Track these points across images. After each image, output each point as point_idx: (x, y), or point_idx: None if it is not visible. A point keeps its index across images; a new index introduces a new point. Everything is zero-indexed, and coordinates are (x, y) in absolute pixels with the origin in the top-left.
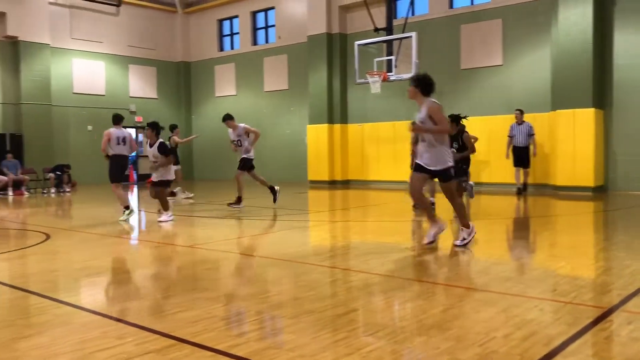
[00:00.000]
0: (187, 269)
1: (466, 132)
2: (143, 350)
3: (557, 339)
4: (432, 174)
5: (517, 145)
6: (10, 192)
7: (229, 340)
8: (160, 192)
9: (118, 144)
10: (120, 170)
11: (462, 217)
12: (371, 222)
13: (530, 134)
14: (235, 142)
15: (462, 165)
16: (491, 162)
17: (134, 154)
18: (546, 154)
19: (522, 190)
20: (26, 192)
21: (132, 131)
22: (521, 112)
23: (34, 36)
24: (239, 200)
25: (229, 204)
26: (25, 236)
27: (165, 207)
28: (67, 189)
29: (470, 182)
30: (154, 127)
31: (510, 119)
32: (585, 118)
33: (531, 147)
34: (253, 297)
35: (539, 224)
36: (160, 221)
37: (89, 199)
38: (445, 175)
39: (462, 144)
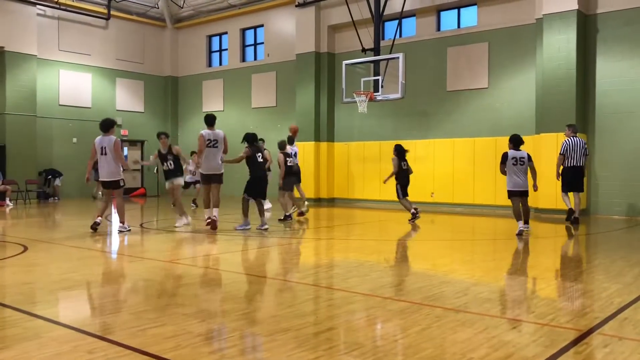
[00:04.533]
0: (165, 284)
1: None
2: None
3: None
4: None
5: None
6: None
7: (203, 357)
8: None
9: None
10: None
11: None
12: (354, 240)
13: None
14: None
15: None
16: (476, 184)
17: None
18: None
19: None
20: (10, 203)
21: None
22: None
23: (20, 47)
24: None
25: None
26: (3, 247)
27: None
28: (57, 197)
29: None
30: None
31: (494, 141)
32: None
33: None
34: (230, 313)
35: (520, 246)
36: None
37: (71, 211)
38: None
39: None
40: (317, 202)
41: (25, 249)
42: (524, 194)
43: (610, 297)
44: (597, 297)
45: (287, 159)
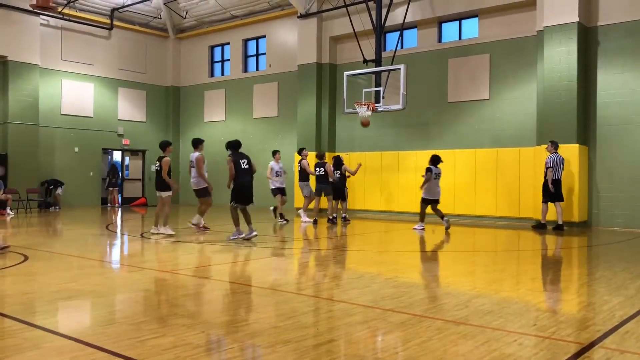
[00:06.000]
0: (165, 294)
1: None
2: None
3: None
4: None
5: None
6: None
7: None
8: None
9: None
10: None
11: None
12: (354, 251)
13: (547, 166)
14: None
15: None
16: (477, 195)
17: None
18: (531, 188)
19: (544, 227)
20: (10, 212)
21: (118, 154)
22: (551, 143)
23: (23, 56)
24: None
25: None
26: (3, 257)
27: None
28: (58, 207)
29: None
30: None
31: (496, 152)
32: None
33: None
34: (230, 324)
35: (521, 257)
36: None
37: (72, 220)
38: None
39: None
40: (318, 212)
41: (26, 258)
42: (438, 202)
43: (612, 310)
44: (599, 309)
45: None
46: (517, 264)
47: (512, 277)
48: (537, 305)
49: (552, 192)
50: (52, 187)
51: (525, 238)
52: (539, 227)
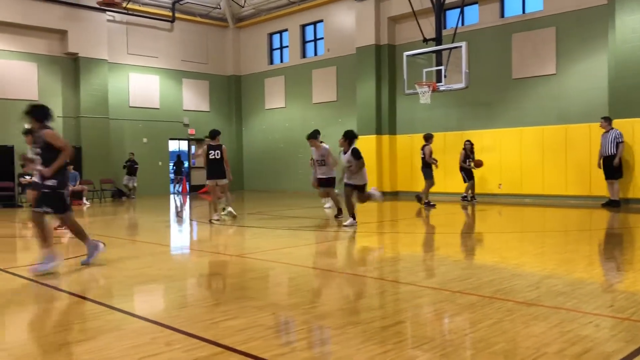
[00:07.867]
0: (235, 277)
1: None
2: (191, 357)
3: (613, 357)
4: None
5: (604, 155)
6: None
7: (274, 349)
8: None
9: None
10: None
11: None
12: (420, 234)
13: (618, 142)
14: (319, 162)
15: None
16: (545, 173)
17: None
18: None
19: (606, 204)
20: (86, 202)
21: (184, 143)
22: (605, 119)
23: (93, 52)
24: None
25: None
26: (80, 244)
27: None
28: (133, 196)
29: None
30: (347, 136)
31: (565, 128)
32: None
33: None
34: (299, 306)
35: (596, 237)
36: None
37: (144, 208)
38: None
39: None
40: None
41: (103, 245)
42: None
43: None
44: None
45: None
46: (589, 243)
47: (585, 258)
48: (613, 286)
49: (617, 168)
50: (136, 166)
51: (598, 217)
52: (612, 204)
